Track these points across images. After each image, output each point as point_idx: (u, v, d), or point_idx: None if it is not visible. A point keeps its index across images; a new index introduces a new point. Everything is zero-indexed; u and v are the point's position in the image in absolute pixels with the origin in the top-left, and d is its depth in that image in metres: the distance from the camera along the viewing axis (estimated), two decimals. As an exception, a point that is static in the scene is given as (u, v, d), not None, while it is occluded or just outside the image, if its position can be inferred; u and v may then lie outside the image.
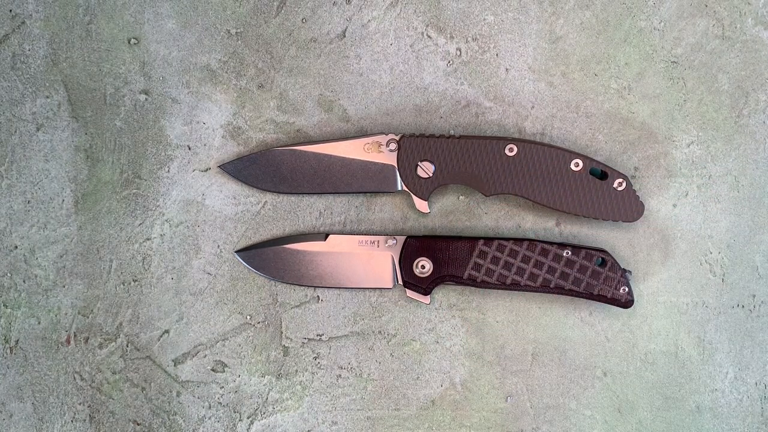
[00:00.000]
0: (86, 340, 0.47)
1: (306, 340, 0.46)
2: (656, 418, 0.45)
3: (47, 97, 0.47)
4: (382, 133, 0.45)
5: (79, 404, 0.47)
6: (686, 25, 0.46)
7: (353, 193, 0.46)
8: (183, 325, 0.47)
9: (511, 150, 0.43)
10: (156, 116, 0.47)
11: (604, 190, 0.43)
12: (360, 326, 0.46)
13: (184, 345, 0.47)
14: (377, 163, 0.44)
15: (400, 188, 0.44)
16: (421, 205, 0.44)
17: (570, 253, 0.43)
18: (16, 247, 0.47)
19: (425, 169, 0.44)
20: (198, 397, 0.46)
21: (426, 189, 0.44)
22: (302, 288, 0.46)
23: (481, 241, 0.43)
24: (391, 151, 0.44)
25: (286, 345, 0.46)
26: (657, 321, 0.45)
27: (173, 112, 0.47)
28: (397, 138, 0.44)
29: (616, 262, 0.43)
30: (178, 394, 0.46)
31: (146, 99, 0.47)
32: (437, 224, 0.46)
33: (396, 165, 0.44)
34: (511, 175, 0.43)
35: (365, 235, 0.45)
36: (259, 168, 0.45)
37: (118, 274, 0.47)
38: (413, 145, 0.44)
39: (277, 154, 0.45)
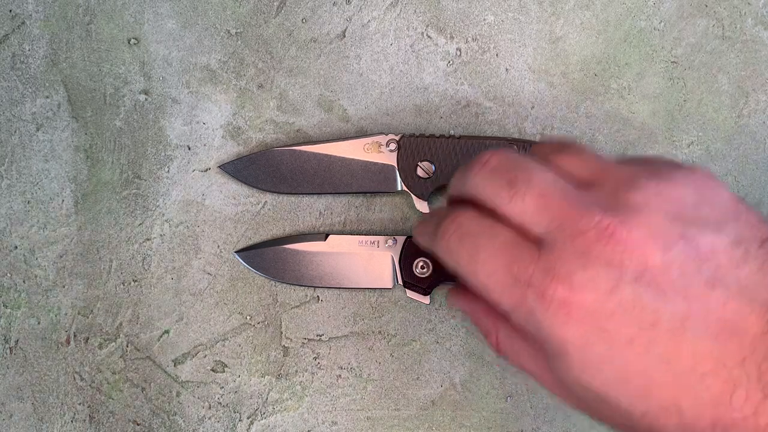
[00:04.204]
0: (86, 340, 0.47)
1: (306, 341, 0.46)
2: (656, 418, 0.45)
3: (47, 97, 0.47)
4: (382, 133, 0.45)
5: (79, 404, 0.47)
6: (686, 25, 0.46)
7: (353, 193, 0.46)
8: (183, 325, 0.47)
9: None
10: (156, 116, 0.47)
11: (604, 190, 0.43)
12: (360, 326, 0.46)
13: (184, 345, 0.47)
14: (377, 163, 0.44)
15: (400, 188, 0.44)
16: (421, 205, 0.44)
17: (570, 253, 0.43)
18: (16, 247, 0.47)
19: (425, 169, 0.43)
20: (198, 397, 0.46)
21: (426, 189, 0.44)
22: (302, 288, 0.46)
23: (481, 241, 0.43)
24: (391, 151, 0.44)
25: (286, 345, 0.46)
26: (657, 321, 0.45)
27: (173, 112, 0.47)
28: (397, 138, 0.44)
29: (616, 262, 0.43)
30: (178, 394, 0.46)
31: (146, 99, 0.47)
32: (437, 224, 0.46)
33: (396, 165, 0.44)
34: None
35: (365, 235, 0.45)
36: (259, 168, 0.45)
37: (118, 274, 0.47)
38: (413, 145, 0.44)
39: (277, 154, 0.45)
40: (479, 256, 0.27)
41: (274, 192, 0.46)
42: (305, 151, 0.45)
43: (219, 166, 0.46)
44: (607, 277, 0.24)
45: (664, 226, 0.24)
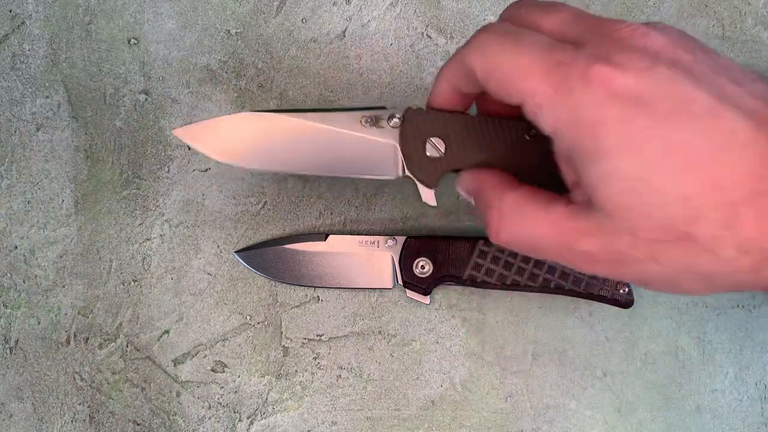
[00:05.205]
0: (86, 340, 0.47)
1: (306, 341, 0.46)
2: (656, 418, 0.45)
3: (47, 97, 0.47)
4: (383, 107, 0.37)
5: (79, 404, 0.47)
6: (686, 25, 0.46)
7: (345, 176, 0.38)
8: (183, 325, 0.47)
9: (530, 134, 0.34)
10: (156, 116, 0.47)
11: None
12: (360, 326, 0.46)
13: (184, 345, 0.47)
14: (376, 140, 0.36)
15: (401, 174, 0.36)
16: (427, 195, 0.36)
17: (570, 253, 0.43)
18: (16, 247, 0.47)
19: (435, 145, 0.34)
20: (198, 397, 0.46)
21: (434, 172, 0.35)
22: (302, 288, 0.46)
23: (481, 241, 0.43)
24: (393, 127, 0.35)
25: (286, 345, 0.46)
26: (657, 321, 0.45)
27: (173, 112, 0.47)
28: (402, 111, 0.35)
29: (616, 262, 0.43)
30: (178, 394, 0.46)
31: (146, 99, 0.47)
32: (437, 224, 0.46)
33: (398, 144, 0.35)
34: (528, 160, 0.34)
35: (365, 235, 0.45)
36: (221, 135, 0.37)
37: (118, 274, 0.47)
38: (420, 120, 0.34)
39: (255, 118, 0.37)
40: (523, 43, 0.27)
41: (240, 166, 0.38)
42: (286, 119, 0.37)
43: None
44: (643, 58, 0.25)
45: (686, 40, 0.27)
